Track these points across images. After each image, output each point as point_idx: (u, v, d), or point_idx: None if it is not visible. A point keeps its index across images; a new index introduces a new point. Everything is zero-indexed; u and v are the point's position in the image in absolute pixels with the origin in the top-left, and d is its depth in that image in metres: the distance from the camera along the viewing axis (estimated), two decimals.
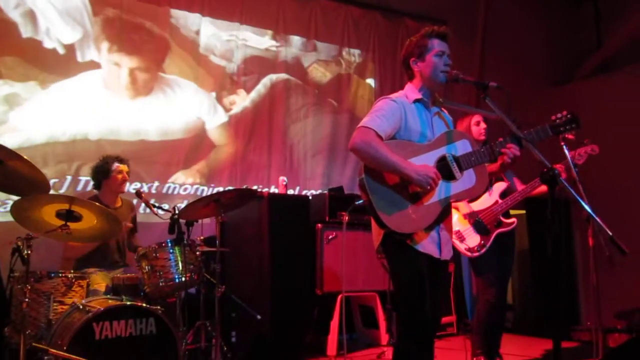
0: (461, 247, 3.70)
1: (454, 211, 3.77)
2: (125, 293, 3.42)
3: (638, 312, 4.72)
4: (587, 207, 2.42)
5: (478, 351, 3.85)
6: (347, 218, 4.28)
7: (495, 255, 3.76)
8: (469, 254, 3.71)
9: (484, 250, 3.69)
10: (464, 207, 3.77)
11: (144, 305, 3.16)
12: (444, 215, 2.57)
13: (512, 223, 3.78)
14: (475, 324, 3.91)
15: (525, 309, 5.75)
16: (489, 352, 3.81)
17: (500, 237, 3.75)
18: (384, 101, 2.58)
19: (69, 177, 4.56)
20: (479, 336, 3.85)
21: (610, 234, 2.26)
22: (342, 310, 4.30)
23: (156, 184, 4.94)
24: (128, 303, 3.14)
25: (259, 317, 4.01)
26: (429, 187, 2.41)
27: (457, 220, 3.75)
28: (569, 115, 2.65)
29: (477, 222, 3.73)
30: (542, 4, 7.33)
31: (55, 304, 3.18)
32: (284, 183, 4.89)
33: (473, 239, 3.72)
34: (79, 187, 4.58)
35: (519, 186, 3.91)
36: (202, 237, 4.06)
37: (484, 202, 3.78)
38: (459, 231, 3.72)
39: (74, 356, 2.78)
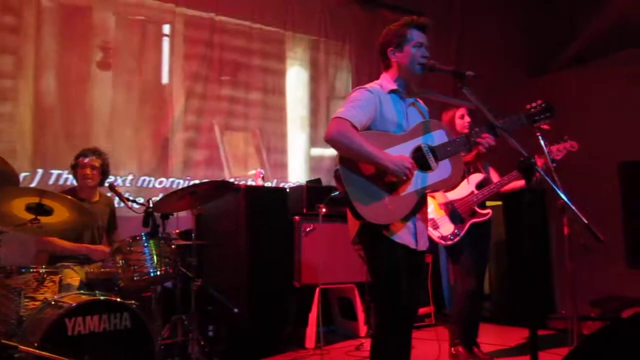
0: (434, 234, 3.73)
1: (430, 200, 3.79)
2: (99, 288, 3.36)
3: (612, 300, 4.79)
4: (563, 195, 2.43)
5: (456, 341, 3.87)
6: (324, 210, 4.26)
7: (471, 244, 3.78)
8: (442, 242, 3.74)
9: (457, 239, 3.72)
10: (440, 196, 3.79)
11: (118, 299, 3.10)
12: (420, 205, 2.56)
13: (487, 214, 3.81)
14: (454, 314, 3.94)
15: (502, 298, 5.81)
16: (466, 342, 3.84)
17: (475, 227, 3.78)
18: (359, 91, 2.56)
19: (39, 171, 4.45)
20: (457, 326, 3.88)
21: (586, 221, 2.28)
22: (319, 302, 4.29)
23: (130, 177, 4.85)
24: (102, 298, 3.07)
25: (236, 310, 3.97)
26: (405, 177, 2.40)
27: (433, 209, 3.77)
28: (543, 105, 2.67)
29: (453, 211, 3.75)
30: None
31: (26, 300, 3.09)
32: (261, 175, 4.84)
33: (447, 228, 3.74)
34: (51, 181, 4.48)
35: (496, 178, 3.93)
36: (178, 231, 4.01)
37: (460, 191, 3.80)
38: (433, 219, 3.74)
39: (45, 353, 2.71)
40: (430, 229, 3.69)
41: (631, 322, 2.27)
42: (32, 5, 4.50)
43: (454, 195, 3.79)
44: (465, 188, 3.81)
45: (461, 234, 3.73)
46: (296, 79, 6.02)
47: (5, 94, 4.39)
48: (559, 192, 2.42)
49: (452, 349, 3.87)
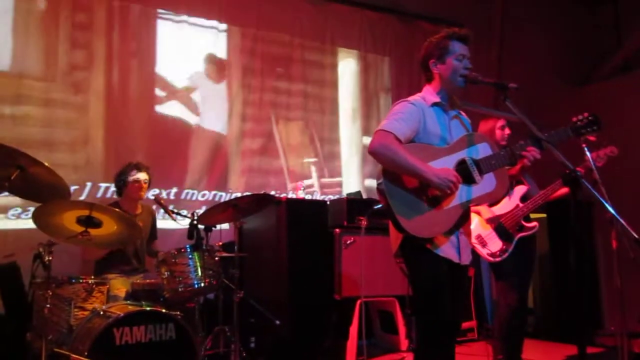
0: (483, 252, 3.66)
1: (474, 215, 3.74)
2: (144, 298, 3.44)
3: None
4: (610, 209, 2.38)
5: (499, 357, 3.80)
6: (365, 223, 4.26)
7: (516, 259, 3.71)
8: (491, 259, 3.66)
9: (506, 255, 3.64)
10: (485, 211, 3.73)
11: (164, 310, 3.17)
12: (464, 219, 2.54)
13: (533, 227, 3.73)
14: (497, 329, 3.86)
15: (547, 313, 5.67)
16: (510, 357, 3.76)
17: (521, 240, 3.71)
18: (402, 104, 2.56)
19: (89, 184, 4.60)
20: (500, 341, 3.80)
21: (636, 236, 2.22)
22: (362, 315, 4.27)
23: (174, 189, 4.96)
24: (148, 308, 3.15)
25: (277, 322, 4.00)
26: (449, 191, 2.39)
27: (479, 225, 3.71)
28: (590, 117, 2.62)
29: (499, 226, 3.68)
30: (559, 4, 7.25)
31: (76, 310, 3.19)
32: (302, 187, 4.88)
33: (495, 244, 3.67)
34: (99, 194, 4.63)
35: (535, 189, 3.86)
36: (220, 243, 4.07)
37: (505, 206, 3.74)
38: (480, 235, 3.68)
39: None
40: (477, 245, 3.64)
41: None
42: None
43: (499, 209, 3.73)
44: (510, 202, 3.75)
45: (510, 250, 3.66)
46: (348, 72, 6.15)
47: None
48: (606, 204, 2.37)
49: None
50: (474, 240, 3.68)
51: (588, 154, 3.52)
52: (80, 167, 4.58)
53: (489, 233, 3.70)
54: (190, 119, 5.17)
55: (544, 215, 5.46)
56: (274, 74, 5.60)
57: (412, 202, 2.43)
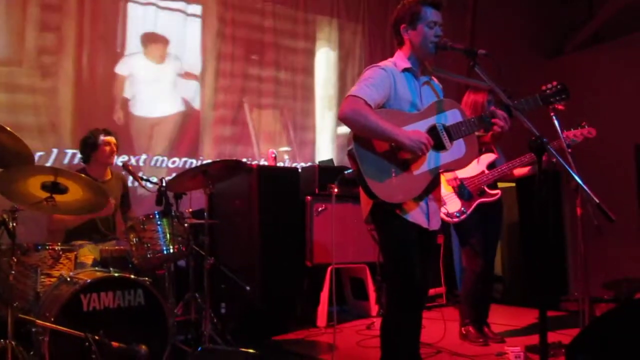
0: (441, 211, 3.71)
1: None
2: (113, 265, 3.40)
3: (625, 282, 4.77)
4: (575, 176, 2.41)
5: (466, 320, 3.89)
6: (336, 190, 4.26)
7: (481, 225, 3.78)
8: (448, 219, 3.72)
9: (463, 216, 3.71)
10: (448, 173, 3.77)
11: (132, 276, 3.14)
12: (433, 185, 2.56)
13: (496, 194, 3.79)
14: (463, 294, 3.95)
15: (514, 280, 5.80)
16: (477, 322, 3.85)
17: (484, 207, 3.77)
18: (373, 69, 2.54)
19: (55, 150, 4.50)
20: (466, 306, 3.89)
21: (598, 201, 2.26)
22: (332, 281, 4.31)
23: (144, 156, 4.89)
24: (116, 275, 3.12)
25: (248, 288, 4.02)
26: (420, 153, 2.39)
27: (441, 186, 3.77)
28: (558, 86, 2.64)
29: (461, 187, 3.73)
30: None
31: (42, 277, 3.14)
32: (274, 155, 4.86)
33: (454, 205, 3.73)
34: (66, 160, 4.53)
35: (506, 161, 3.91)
36: (191, 210, 4.04)
37: (471, 170, 3.78)
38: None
39: (61, 327, 2.77)
40: None
41: (636, 305, 2.27)
42: None
43: (464, 173, 3.76)
44: (476, 167, 3.80)
45: (468, 212, 3.71)
46: (325, 60, 6.07)
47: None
48: (571, 172, 2.40)
49: (462, 328, 3.89)
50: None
51: (556, 122, 3.57)
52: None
53: (449, 194, 3.75)
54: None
55: (513, 184, 5.55)
56: (246, 59, 5.49)
57: (383, 166, 2.43)
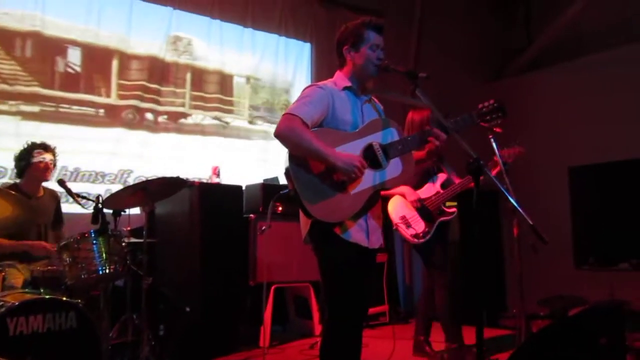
0: (407, 233, 3.77)
1: (398, 198, 3.83)
2: (44, 286, 3.25)
3: (559, 299, 4.93)
4: (510, 198, 2.48)
5: (421, 337, 3.97)
6: (280, 208, 4.24)
7: (440, 242, 3.84)
8: (415, 240, 3.77)
9: (428, 236, 3.76)
10: (410, 193, 3.85)
11: (64, 298, 3.01)
12: (371, 203, 2.56)
13: (453, 212, 3.87)
14: (442, 315, 3.94)
15: (456, 298, 5.88)
16: (459, 339, 3.84)
17: (440, 226, 3.83)
18: (311, 88, 2.55)
19: None
20: (451, 326, 3.90)
21: (532, 223, 2.32)
22: (274, 301, 4.26)
23: (82, 169, 4.70)
24: (46, 297, 2.98)
25: (187, 309, 3.92)
26: (353, 176, 2.40)
27: (404, 206, 3.85)
28: (495, 104, 2.70)
29: (423, 208, 3.80)
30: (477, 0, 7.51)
31: None
32: (217, 172, 4.78)
33: (419, 225, 3.79)
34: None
35: (456, 179, 4.00)
36: (129, 228, 3.92)
37: (428, 190, 3.88)
38: (404, 217, 3.81)
39: None
40: (402, 226, 3.77)
41: (569, 322, 2.34)
42: None
43: (423, 193, 3.88)
44: (432, 188, 3.89)
45: (431, 232, 3.78)
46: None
47: None
48: (506, 194, 2.47)
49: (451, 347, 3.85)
50: (398, 220, 3.77)
51: (494, 145, 3.67)
52: None
53: (413, 215, 3.81)
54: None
55: (455, 203, 5.66)
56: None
57: (319, 186, 2.42)
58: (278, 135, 2.42)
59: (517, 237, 3.71)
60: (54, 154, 3.85)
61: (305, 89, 2.58)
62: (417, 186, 3.92)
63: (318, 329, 4.80)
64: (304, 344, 4.52)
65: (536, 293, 5.05)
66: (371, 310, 5.15)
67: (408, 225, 3.80)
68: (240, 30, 5.79)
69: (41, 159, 3.75)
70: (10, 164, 4.18)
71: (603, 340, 2.43)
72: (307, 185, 2.40)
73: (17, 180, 3.83)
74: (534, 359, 2.45)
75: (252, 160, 5.63)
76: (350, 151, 2.45)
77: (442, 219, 3.85)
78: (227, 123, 5.58)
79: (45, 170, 3.78)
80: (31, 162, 3.74)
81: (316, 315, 4.84)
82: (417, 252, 4.03)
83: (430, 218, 3.81)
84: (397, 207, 3.88)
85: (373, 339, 4.44)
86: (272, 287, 4.49)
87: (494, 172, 3.57)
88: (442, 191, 3.89)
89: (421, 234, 3.78)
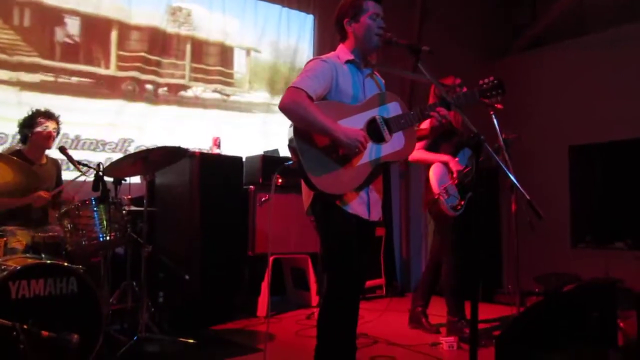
0: (447, 205, 3.74)
1: (440, 166, 3.83)
2: (45, 252, 3.29)
3: (554, 277, 4.98)
4: (509, 174, 2.50)
5: (418, 309, 4.03)
6: (280, 181, 4.26)
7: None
8: (453, 212, 3.76)
9: (461, 210, 3.76)
10: (455, 163, 3.81)
11: (65, 264, 3.04)
12: (374, 176, 2.58)
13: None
14: (447, 290, 3.95)
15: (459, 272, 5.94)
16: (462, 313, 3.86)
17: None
18: (314, 62, 2.56)
19: None
20: (453, 299, 3.90)
21: (529, 198, 2.35)
22: (272, 271, 4.32)
23: (83, 137, 4.70)
24: (48, 261, 3.01)
25: (187, 277, 3.97)
26: (357, 150, 2.42)
27: (447, 176, 3.81)
28: (495, 81, 2.71)
29: (462, 180, 3.78)
30: None
31: None
32: (218, 143, 4.79)
33: (457, 198, 3.77)
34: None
35: None
36: (130, 196, 3.94)
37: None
38: (446, 187, 3.77)
39: None
40: (444, 196, 3.74)
41: (562, 296, 2.38)
42: None
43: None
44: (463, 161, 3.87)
45: (463, 206, 3.76)
46: None
47: None
48: (505, 170, 2.49)
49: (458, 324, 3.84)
50: (441, 190, 3.76)
51: (495, 121, 3.68)
52: None
53: (453, 187, 3.79)
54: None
55: None
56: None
57: (323, 159, 2.44)
58: (283, 108, 2.43)
59: (514, 214, 3.75)
60: (57, 122, 3.85)
61: (309, 62, 2.59)
62: None
63: (315, 300, 4.87)
64: (301, 315, 4.59)
65: (532, 270, 5.11)
66: (368, 283, 5.21)
67: (449, 196, 3.75)
68: (242, 0, 5.73)
69: (44, 127, 3.75)
70: (10, 131, 4.20)
71: (595, 314, 2.48)
72: (311, 158, 2.42)
73: (21, 146, 3.84)
74: (528, 331, 2.51)
75: (253, 132, 5.63)
76: (353, 125, 2.47)
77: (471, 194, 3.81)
78: (227, 96, 5.56)
79: (47, 138, 3.79)
80: (34, 129, 3.75)
81: (313, 286, 4.91)
82: (446, 228, 3.92)
83: (465, 191, 3.79)
84: (440, 176, 3.82)
85: (369, 312, 4.50)
86: (271, 258, 4.54)
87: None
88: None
89: (458, 207, 3.76)
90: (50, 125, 3.78)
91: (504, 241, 6.25)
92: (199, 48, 5.43)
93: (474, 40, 7.30)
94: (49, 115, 3.80)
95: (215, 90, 5.50)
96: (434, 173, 3.85)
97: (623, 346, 2.82)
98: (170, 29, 5.23)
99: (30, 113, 3.80)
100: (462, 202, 3.75)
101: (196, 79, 5.39)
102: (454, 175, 3.80)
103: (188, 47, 5.35)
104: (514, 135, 3.90)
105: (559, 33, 6.97)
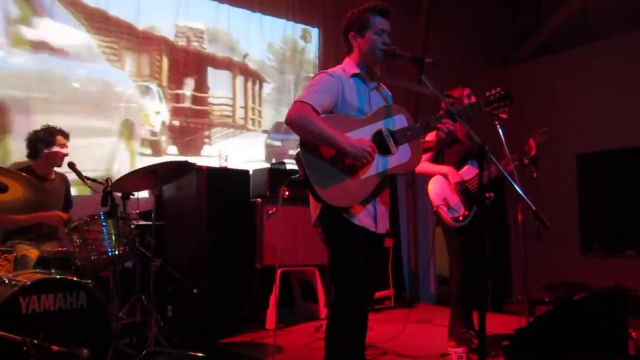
0: (448, 215, 3.73)
1: (440, 178, 3.81)
2: (55, 266, 3.32)
3: (563, 286, 4.96)
4: (514, 184, 2.51)
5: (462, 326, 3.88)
6: (287, 193, 4.27)
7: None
8: (455, 223, 3.73)
9: (467, 220, 3.72)
10: (453, 174, 3.78)
11: (74, 278, 3.06)
12: (380, 189, 2.61)
13: (489, 196, 3.72)
14: (458, 300, 3.90)
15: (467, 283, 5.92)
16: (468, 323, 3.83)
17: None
18: (320, 75, 2.59)
19: None
20: (461, 310, 3.87)
21: (534, 208, 2.35)
22: (280, 284, 4.32)
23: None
24: (57, 276, 3.03)
25: (195, 290, 3.98)
26: (364, 160, 2.44)
27: (446, 187, 3.79)
28: (502, 92, 2.73)
29: (465, 190, 3.75)
30: None
31: None
32: (225, 157, 4.81)
33: (459, 208, 3.73)
34: None
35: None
36: (138, 211, 3.97)
37: (469, 172, 3.81)
38: (445, 198, 3.76)
39: None
40: (443, 208, 3.73)
41: (572, 305, 2.37)
42: None
43: (463, 176, 3.80)
44: (472, 170, 3.80)
45: (470, 216, 3.71)
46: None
47: None
48: (510, 180, 2.49)
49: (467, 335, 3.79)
50: (439, 202, 3.75)
51: (500, 131, 3.68)
52: None
53: (454, 197, 3.77)
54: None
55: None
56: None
57: (329, 171, 2.47)
58: (289, 122, 2.46)
59: (521, 223, 3.73)
60: (68, 139, 3.89)
61: (315, 76, 2.62)
62: (457, 168, 3.84)
63: (323, 312, 4.86)
64: (310, 327, 4.58)
65: (542, 279, 5.09)
66: (377, 295, 5.20)
67: (449, 207, 3.74)
68: (248, 15, 5.77)
69: (61, 149, 3.79)
70: None
71: (605, 324, 2.46)
72: (318, 170, 2.45)
73: (29, 161, 3.86)
74: (537, 340, 2.50)
75: (260, 146, 5.66)
76: (359, 137, 2.49)
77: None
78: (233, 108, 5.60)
79: (62, 159, 3.83)
80: (52, 148, 3.77)
81: (322, 298, 4.90)
82: (453, 236, 3.86)
83: (471, 201, 3.74)
84: (439, 187, 3.81)
85: (377, 323, 4.49)
86: (278, 271, 4.54)
87: (510, 167, 3.52)
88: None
89: (461, 217, 3.74)
90: (66, 149, 3.83)
91: (513, 250, 6.23)
92: (206, 63, 5.46)
93: (479, 48, 7.32)
94: (66, 135, 3.84)
95: (221, 104, 5.54)
96: (432, 185, 3.86)
97: (634, 356, 2.80)
98: (180, 44, 5.28)
99: (46, 128, 3.81)
100: (466, 213, 3.74)
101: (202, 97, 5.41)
102: (453, 187, 3.79)
103: (195, 63, 5.39)
104: (543, 136, 3.87)
105: (564, 41, 6.98)
